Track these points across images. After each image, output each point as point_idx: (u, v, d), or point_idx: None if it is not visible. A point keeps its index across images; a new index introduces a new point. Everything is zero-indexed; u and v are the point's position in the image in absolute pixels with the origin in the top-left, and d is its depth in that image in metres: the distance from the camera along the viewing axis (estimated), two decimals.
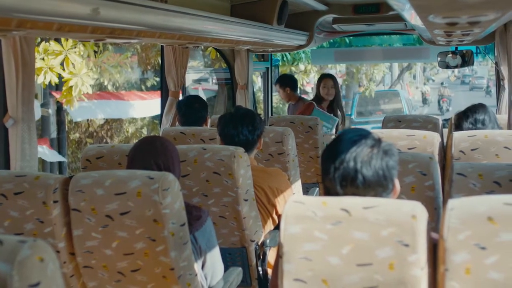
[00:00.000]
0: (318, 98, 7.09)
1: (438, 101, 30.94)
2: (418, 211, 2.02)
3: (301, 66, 18.51)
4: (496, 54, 6.18)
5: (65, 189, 2.85)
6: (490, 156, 3.91)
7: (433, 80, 42.90)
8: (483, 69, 38.26)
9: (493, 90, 36.33)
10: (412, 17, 2.92)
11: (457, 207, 1.95)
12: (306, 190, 5.51)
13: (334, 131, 6.76)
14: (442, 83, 33.23)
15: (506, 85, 5.83)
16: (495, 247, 1.90)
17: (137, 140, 3.19)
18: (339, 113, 7.20)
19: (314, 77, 22.32)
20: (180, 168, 3.12)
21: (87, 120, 13.83)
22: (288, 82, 7.64)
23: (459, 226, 1.92)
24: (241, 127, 3.76)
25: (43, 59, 8.21)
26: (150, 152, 2.99)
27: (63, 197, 2.85)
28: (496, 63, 6.21)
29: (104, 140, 14.76)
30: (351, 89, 26.63)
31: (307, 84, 22.74)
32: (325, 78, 7.16)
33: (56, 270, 1.61)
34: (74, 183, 2.82)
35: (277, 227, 3.87)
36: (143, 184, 2.71)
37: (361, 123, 19.69)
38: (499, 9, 2.39)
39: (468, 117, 4.28)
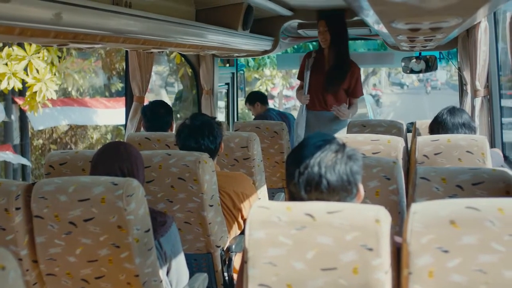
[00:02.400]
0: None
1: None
2: (381, 215, 2.04)
3: (267, 72, 18.57)
4: (459, 60, 6.26)
5: (27, 196, 2.81)
6: (453, 160, 3.95)
7: (407, 86, 43.41)
8: (442, 73, 38.77)
9: (429, 90, 36.74)
10: (376, 23, 2.95)
11: (420, 211, 1.97)
12: (272, 195, 5.52)
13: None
14: (374, 84, 34.14)
15: (468, 90, 5.91)
16: (458, 250, 1.92)
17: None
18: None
19: (279, 82, 22.42)
20: (144, 173, 3.10)
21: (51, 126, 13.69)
22: (256, 98, 8.05)
23: (422, 229, 1.94)
24: (202, 139, 3.73)
25: (6, 64, 8.11)
26: (114, 158, 2.97)
27: (26, 204, 2.81)
28: (459, 68, 6.29)
29: (68, 146, 14.62)
30: None
31: (272, 89, 22.80)
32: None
33: (18, 278, 1.58)
34: (36, 189, 2.79)
35: (243, 232, 3.87)
36: (107, 190, 2.68)
37: None
38: (459, 15, 2.42)
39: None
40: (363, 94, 6.17)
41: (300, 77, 6.51)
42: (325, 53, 6.24)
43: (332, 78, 6.11)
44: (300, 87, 6.49)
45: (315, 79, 6.21)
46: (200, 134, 3.73)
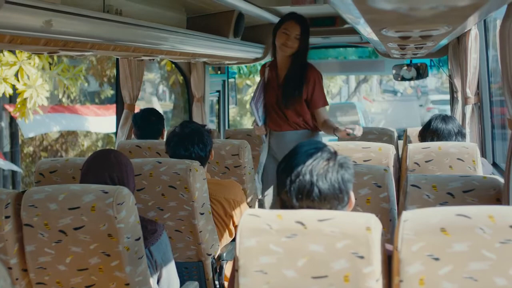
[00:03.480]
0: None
1: None
2: (372, 223, 2.03)
3: (258, 79, 18.57)
4: (449, 67, 6.27)
5: (17, 204, 2.80)
6: (444, 168, 3.96)
7: (401, 92, 43.50)
8: (432, 80, 38.97)
9: (420, 95, 36.96)
10: (366, 31, 2.96)
11: (411, 219, 1.97)
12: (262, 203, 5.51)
13: None
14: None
15: (459, 98, 5.93)
16: (448, 258, 1.92)
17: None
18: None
19: None
20: (134, 181, 3.09)
21: (41, 133, 13.65)
22: None
23: (412, 237, 1.94)
24: (192, 147, 3.72)
25: None
26: (104, 166, 2.96)
27: (16, 212, 2.80)
28: (450, 76, 6.31)
29: (59, 154, 14.56)
30: None
31: None
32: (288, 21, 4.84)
33: (7, 287, 1.57)
34: (26, 198, 2.77)
35: (234, 240, 3.87)
36: (97, 198, 2.68)
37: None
38: (449, 23, 2.43)
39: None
40: (327, 104, 4.94)
41: (256, 96, 5.00)
42: (280, 62, 4.96)
43: (289, 90, 4.86)
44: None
45: (271, 96, 4.99)
46: (190, 141, 3.72)
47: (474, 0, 1.73)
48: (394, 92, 43.64)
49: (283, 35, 4.76)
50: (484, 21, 5.34)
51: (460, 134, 4.33)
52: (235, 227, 3.87)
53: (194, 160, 3.60)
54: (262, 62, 7.52)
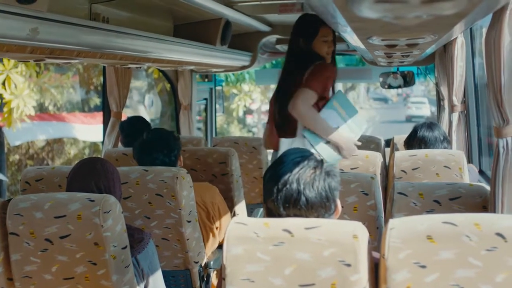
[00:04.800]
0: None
1: None
2: (359, 231, 2.04)
3: (245, 87, 18.59)
4: (436, 75, 6.30)
5: (3, 213, 2.79)
6: (431, 175, 3.97)
7: (392, 100, 43.69)
8: (418, 88, 39.35)
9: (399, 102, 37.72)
10: (353, 39, 2.96)
11: (397, 226, 1.97)
12: (251, 211, 5.50)
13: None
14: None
15: (446, 105, 5.95)
16: (435, 265, 1.93)
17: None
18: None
19: (257, 97, 22.47)
20: (121, 190, 3.08)
21: (27, 141, 13.58)
22: None
23: (399, 245, 1.94)
24: (156, 153, 3.75)
25: None
26: (90, 174, 2.94)
27: (1, 221, 2.79)
28: (437, 84, 6.33)
29: (45, 162, 14.48)
30: None
31: (251, 104, 22.85)
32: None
33: None
34: (12, 206, 2.76)
35: (221, 247, 3.86)
36: (84, 206, 2.66)
37: None
38: (435, 32, 2.44)
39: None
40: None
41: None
42: None
43: None
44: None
45: None
46: (154, 148, 3.76)
47: (460, 9, 1.74)
48: (385, 100, 43.91)
49: (324, 43, 4.39)
50: (470, 29, 5.37)
51: (446, 141, 4.36)
52: (216, 228, 3.90)
53: (158, 166, 3.63)
54: (250, 70, 7.53)
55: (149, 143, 3.79)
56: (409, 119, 31.19)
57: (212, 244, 3.88)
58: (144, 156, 3.76)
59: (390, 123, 31.13)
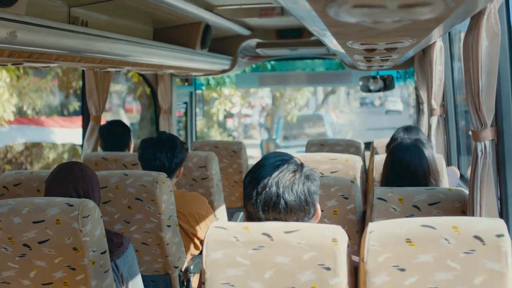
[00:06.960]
0: None
1: None
2: (338, 234, 2.04)
3: (225, 91, 18.59)
4: (415, 79, 6.34)
5: None
6: None
7: (374, 104, 43.99)
8: (396, 91, 40.13)
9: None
10: (332, 43, 2.97)
11: (376, 230, 1.98)
12: (231, 215, 5.50)
13: None
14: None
15: (425, 109, 5.98)
16: (414, 268, 1.94)
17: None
18: None
19: (237, 101, 22.49)
20: (100, 194, 3.06)
21: (5, 145, 13.48)
22: None
23: (378, 248, 1.95)
24: (160, 152, 3.75)
25: None
26: (69, 179, 2.93)
27: None
28: (416, 88, 6.37)
29: (24, 167, 14.37)
30: (276, 114, 26.90)
31: (231, 108, 22.88)
32: None
33: None
34: None
35: (201, 252, 3.84)
36: (62, 211, 2.64)
37: (287, 147, 19.86)
38: (413, 36, 2.46)
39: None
40: None
41: None
42: None
43: None
44: None
45: None
46: (159, 147, 3.77)
47: (438, 14, 1.75)
48: (372, 104, 44.38)
49: None
50: (449, 33, 5.41)
51: (426, 143, 4.38)
52: (201, 241, 3.85)
53: (157, 166, 3.63)
54: (230, 73, 7.54)
55: (157, 142, 3.81)
56: (387, 112, 41.18)
57: (192, 250, 3.86)
58: (148, 152, 3.79)
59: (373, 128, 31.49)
